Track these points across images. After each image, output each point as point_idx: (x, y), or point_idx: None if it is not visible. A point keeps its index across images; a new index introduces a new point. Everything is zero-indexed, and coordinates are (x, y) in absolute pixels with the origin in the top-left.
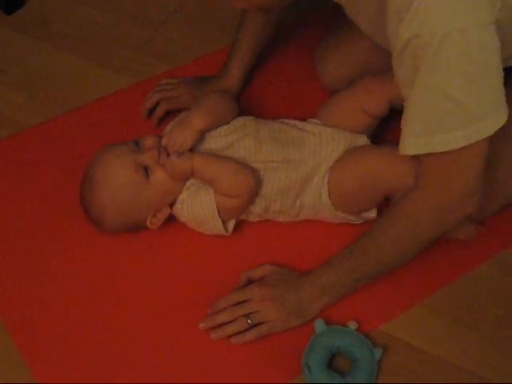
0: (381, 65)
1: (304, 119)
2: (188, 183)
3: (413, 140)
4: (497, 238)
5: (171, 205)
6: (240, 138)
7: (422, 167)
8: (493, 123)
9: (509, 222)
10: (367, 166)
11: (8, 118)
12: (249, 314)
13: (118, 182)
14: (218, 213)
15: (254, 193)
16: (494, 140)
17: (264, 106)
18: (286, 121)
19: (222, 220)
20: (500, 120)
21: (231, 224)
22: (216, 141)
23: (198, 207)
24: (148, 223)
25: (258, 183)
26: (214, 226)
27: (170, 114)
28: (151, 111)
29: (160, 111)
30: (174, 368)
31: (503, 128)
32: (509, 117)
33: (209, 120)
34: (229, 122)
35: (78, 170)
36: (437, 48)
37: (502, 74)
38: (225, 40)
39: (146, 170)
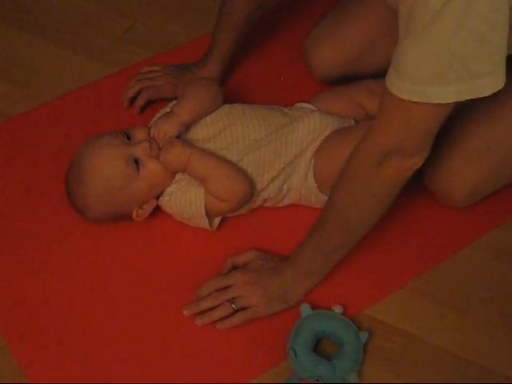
0: (375, 56)
1: (291, 105)
2: (177, 176)
3: (408, 86)
4: (482, 220)
5: (158, 196)
6: (227, 126)
7: (380, 112)
8: (488, 85)
9: (494, 204)
10: (351, 148)
11: None
12: (233, 299)
13: (107, 172)
14: (206, 211)
15: (245, 200)
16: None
17: (250, 92)
18: (274, 106)
19: (209, 217)
20: (497, 84)
21: (216, 221)
22: (203, 130)
23: (186, 203)
24: (134, 215)
25: (252, 190)
26: (200, 222)
27: (151, 103)
28: (133, 100)
29: (141, 101)
30: (162, 356)
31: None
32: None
33: (194, 110)
34: (215, 110)
35: (61, 158)
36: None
37: (506, 39)
38: (205, 27)
39: (136, 162)
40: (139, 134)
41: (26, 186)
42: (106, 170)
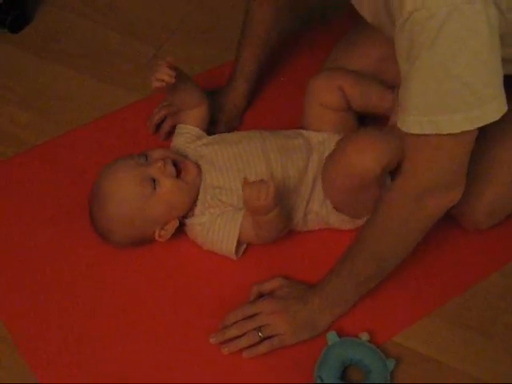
0: (391, 78)
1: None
2: (206, 204)
3: (416, 117)
4: (508, 245)
5: (181, 217)
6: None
7: (408, 151)
8: (496, 109)
9: None
10: (350, 165)
11: (14, 136)
12: (260, 327)
13: (124, 195)
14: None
15: None
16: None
17: (270, 118)
18: (293, 130)
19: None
20: (503, 108)
21: (241, 249)
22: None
23: (218, 238)
24: (156, 236)
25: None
26: (227, 252)
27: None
28: (158, 126)
29: (166, 126)
30: (184, 381)
31: (502, 131)
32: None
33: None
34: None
35: (85, 187)
36: (443, 20)
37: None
38: (229, 54)
39: (153, 182)
40: (156, 154)
41: (49, 214)
42: (121, 192)
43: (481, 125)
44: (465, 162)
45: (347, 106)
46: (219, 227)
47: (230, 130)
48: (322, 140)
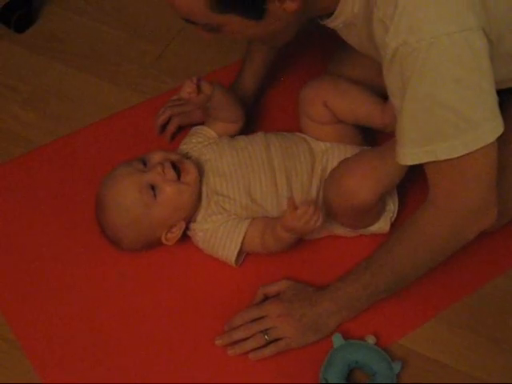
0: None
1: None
2: (209, 210)
3: (411, 149)
4: None
5: (187, 220)
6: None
7: (430, 180)
8: (490, 131)
9: None
10: (348, 195)
11: (20, 136)
12: (266, 330)
13: (124, 204)
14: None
15: None
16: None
17: (276, 118)
18: (296, 134)
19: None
20: (497, 129)
21: (242, 258)
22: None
23: (220, 246)
24: (163, 239)
25: None
26: (228, 260)
27: (182, 129)
28: (164, 127)
29: (172, 127)
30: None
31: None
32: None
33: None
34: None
35: (91, 187)
36: (425, 53)
37: (494, 82)
38: (235, 55)
39: (153, 189)
40: (155, 158)
41: (53, 215)
42: (122, 202)
43: (476, 148)
44: (491, 180)
45: (337, 120)
46: (222, 235)
47: None
48: (325, 149)
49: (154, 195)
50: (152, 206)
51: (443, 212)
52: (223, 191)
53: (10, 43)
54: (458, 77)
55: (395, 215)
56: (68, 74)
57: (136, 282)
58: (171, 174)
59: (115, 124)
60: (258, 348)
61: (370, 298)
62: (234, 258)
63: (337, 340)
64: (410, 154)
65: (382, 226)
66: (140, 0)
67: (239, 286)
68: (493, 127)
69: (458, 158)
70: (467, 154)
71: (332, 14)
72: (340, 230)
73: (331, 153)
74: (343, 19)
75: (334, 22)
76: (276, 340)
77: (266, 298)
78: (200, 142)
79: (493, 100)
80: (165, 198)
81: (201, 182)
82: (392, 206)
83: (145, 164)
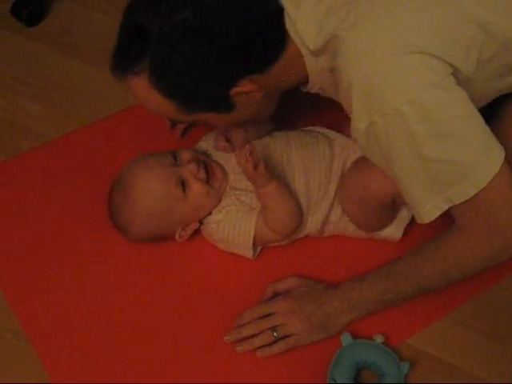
0: None
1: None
2: (224, 203)
3: (427, 207)
4: None
5: (200, 220)
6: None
7: (455, 214)
8: (493, 162)
9: None
10: (367, 188)
11: (30, 130)
12: (274, 327)
13: (158, 193)
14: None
15: (292, 234)
16: None
17: (296, 114)
18: (318, 129)
19: (253, 247)
20: (499, 156)
21: (258, 249)
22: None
23: (235, 233)
24: (177, 236)
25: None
26: (243, 252)
27: (193, 126)
28: (176, 122)
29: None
30: (198, 381)
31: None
32: None
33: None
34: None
35: (101, 180)
36: (394, 125)
37: (479, 115)
38: None
39: (183, 183)
40: (186, 155)
41: (63, 208)
42: (155, 189)
43: (486, 183)
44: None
45: None
46: (234, 224)
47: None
48: (346, 144)
49: (183, 191)
50: (179, 201)
51: (480, 242)
52: (242, 186)
53: (22, 37)
54: (433, 133)
55: (407, 222)
56: (79, 68)
57: (145, 276)
58: (203, 174)
59: (126, 119)
60: (267, 345)
61: (385, 304)
62: (250, 243)
63: (345, 339)
64: (429, 210)
65: (393, 232)
66: None
67: (249, 282)
68: (494, 158)
69: (474, 196)
70: (482, 190)
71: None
72: (352, 232)
73: (352, 149)
74: (318, 87)
75: (312, 90)
76: (285, 337)
77: (276, 295)
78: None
79: (482, 133)
80: (193, 196)
81: (225, 186)
82: (406, 214)
83: (175, 159)
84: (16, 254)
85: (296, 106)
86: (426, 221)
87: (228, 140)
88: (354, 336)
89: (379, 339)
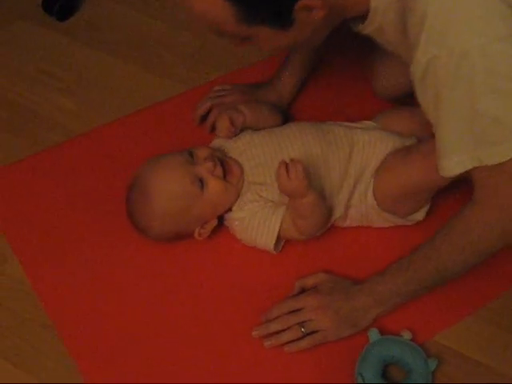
0: None
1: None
2: (245, 198)
3: (455, 159)
4: None
5: (219, 216)
6: (288, 145)
7: (475, 181)
8: None
9: None
10: (410, 175)
11: (60, 124)
12: (302, 322)
13: (175, 192)
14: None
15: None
16: None
17: (315, 109)
18: (333, 122)
19: (276, 242)
20: None
21: (280, 244)
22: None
23: (258, 231)
24: (196, 234)
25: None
26: (265, 247)
27: None
28: (204, 118)
29: (212, 118)
30: (226, 376)
31: None
32: None
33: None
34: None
35: (128, 177)
36: (456, 66)
37: None
38: None
39: (200, 181)
40: (202, 152)
41: (90, 203)
42: (172, 189)
43: None
44: None
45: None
46: (259, 222)
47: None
48: (368, 133)
49: (201, 188)
50: (197, 199)
51: (492, 211)
52: (260, 180)
53: (53, 31)
54: (493, 87)
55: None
56: (109, 63)
57: (172, 272)
58: (220, 171)
59: (155, 114)
60: (295, 340)
61: (409, 294)
62: (272, 246)
63: (373, 335)
64: (454, 163)
65: (418, 217)
66: None
67: (277, 278)
68: None
69: (504, 162)
70: None
71: (363, 16)
72: (376, 218)
73: (371, 137)
74: (376, 26)
75: (366, 30)
76: (312, 333)
77: (304, 290)
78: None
79: None
80: (211, 193)
81: (243, 181)
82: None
83: (191, 157)
84: (43, 247)
85: (312, 99)
86: (447, 174)
87: (232, 123)
88: (382, 332)
89: (407, 335)
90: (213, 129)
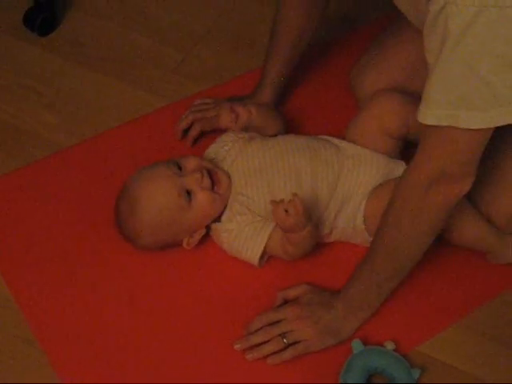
0: (417, 84)
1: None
2: (234, 209)
3: (434, 110)
4: None
5: (207, 225)
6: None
7: (422, 144)
8: None
9: None
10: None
11: (43, 139)
12: (284, 333)
13: (161, 204)
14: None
15: None
16: None
17: (300, 122)
18: (325, 137)
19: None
20: None
21: (264, 258)
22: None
23: (244, 247)
24: (185, 244)
25: None
26: (251, 261)
27: (204, 135)
28: (186, 132)
29: (194, 132)
30: None
31: None
32: None
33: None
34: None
35: (113, 190)
36: (470, 20)
37: None
38: (257, 61)
39: (188, 193)
40: (190, 163)
41: (76, 217)
42: (159, 202)
43: (498, 125)
44: (477, 155)
45: (405, 135)
46: (246, 237)
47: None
48: (355, 154)
49: (189, 200)
50: (186, 210)
51: (421, 175)
52: (247, 193)
53: (34, 46)
54: (499, 52)
55: None
56: (91, 77)
57: (154, 282)
58: (208, 182)
59: (138, 128)
60: (277, 352)
61: (378, 291)
62: (257, 261)
63: (356, 345)
64: (430, 114)
65: None
66: (163, 5)
67: (258, 290)
68: None
69: (468, 129)
70: (478, 129)
71: None
72: (362, 240)
73: (361, 159)
74: None
75: None
76: (295, 343)
77: (286, 302)
78: (231, 141)
79: None
80: (199, 205)
81: (230, 191)
82: None
83: (179, 168)
84: (27, 260)
85: (301, 111)
86: (422, 121)
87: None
88: (365, 343)
89: (390, 346)
90: (194, 142)
